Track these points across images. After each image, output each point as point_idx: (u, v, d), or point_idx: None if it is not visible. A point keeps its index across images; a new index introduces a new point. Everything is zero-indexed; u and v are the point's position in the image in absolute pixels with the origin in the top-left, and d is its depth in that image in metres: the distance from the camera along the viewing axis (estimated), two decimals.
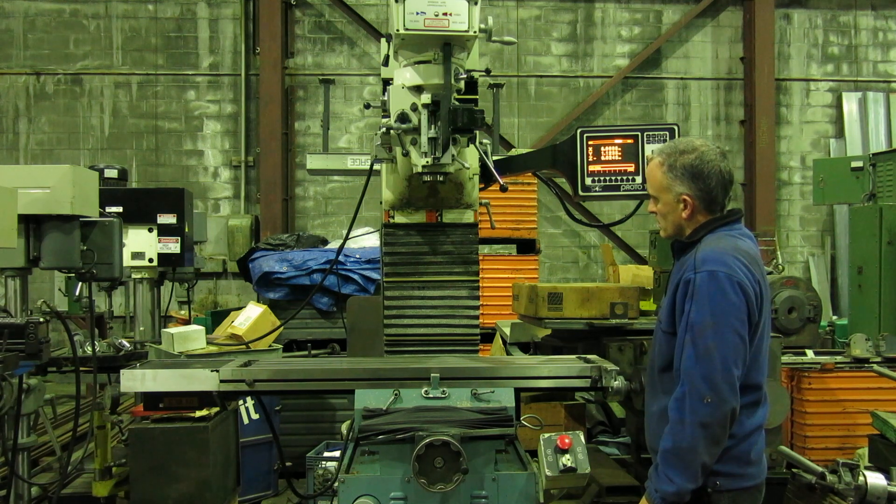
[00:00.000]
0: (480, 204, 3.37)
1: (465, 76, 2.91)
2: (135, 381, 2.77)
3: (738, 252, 2.42)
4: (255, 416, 5.34)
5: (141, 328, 5.85)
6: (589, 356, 3.07)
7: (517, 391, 2.73)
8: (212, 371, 2.74)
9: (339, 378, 2.80)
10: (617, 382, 2.73)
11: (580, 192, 3.18)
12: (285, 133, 11.21)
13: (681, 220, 2.57)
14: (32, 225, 4.07)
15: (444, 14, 2.76)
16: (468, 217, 3.32)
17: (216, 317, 7.64)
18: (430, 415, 2.57)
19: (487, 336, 5.78)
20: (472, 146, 3.07)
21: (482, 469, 2.57)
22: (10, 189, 3.75)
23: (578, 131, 3.18)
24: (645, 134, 3.14)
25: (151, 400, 2.82)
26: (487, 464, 2.58)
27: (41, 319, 3.77)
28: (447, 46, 2.82)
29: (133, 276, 5.86)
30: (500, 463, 2.59)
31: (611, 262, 8.42)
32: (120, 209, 5.49)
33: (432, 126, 2.89)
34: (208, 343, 5.22)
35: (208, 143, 11.46)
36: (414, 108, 2.93)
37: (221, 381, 2.73)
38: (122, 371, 2.80)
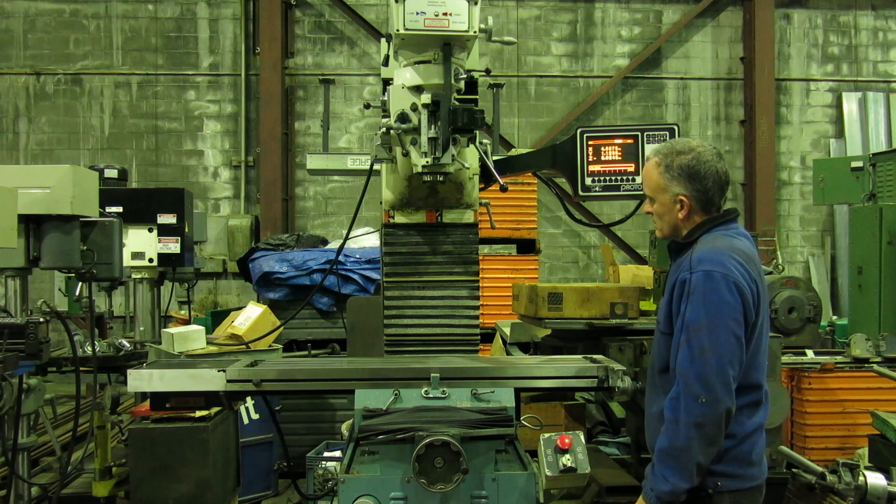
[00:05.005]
0: (480, 204, 3.37)
1: (465, 76, 2.91)
2: (141, 381, 2.78)
3: (734, 251, 2.42)
4: (255, 416, 5.34)
5: (141, 328, 5.86)
6: (595, 356, 3.08)
7: (517, 391, 2.73)
8: (218, 371, 2.75)
9: (344, 378, 2.79)
10: (624, 382, 2.73)
11: (580, 192, 3.18)
12: (285, 133, 11.21)
13: (677, 221, 2.58)
14: (32, 225, 4.06)
15: (444, 14, 2.76)
16: (468, 217, 3.32)
17: (216, 317, 7.65)
18: (430, 415, 2.57)
19: (487, 336, 5.78)
20: (472, 146, 3.07)
21: (482, 469, 2.57)
22: (10, 189, 3.75)
23: (578, 131, 3.18)
24: (645, 134, 3.14)
25: (158, 400, 2.82)
26: (487, 464, 2.58)
27: (41, 319, 3.77)
28: (447, 46, 2.82)
29: (133, 276, 5.86)
30: (500, 463, 2.59)
31: (611, 262, 8.42)
32: (120, 209, 5.49)
33: (432, 126, 2.89)
34: (208, 343, 5.22)
35: (208, 143, 11.46)
36: (414, 108, 2.93)
37: (228, 381, 2.74)
38: (128, 371, 2.81)
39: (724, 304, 2.34)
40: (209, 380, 2.75)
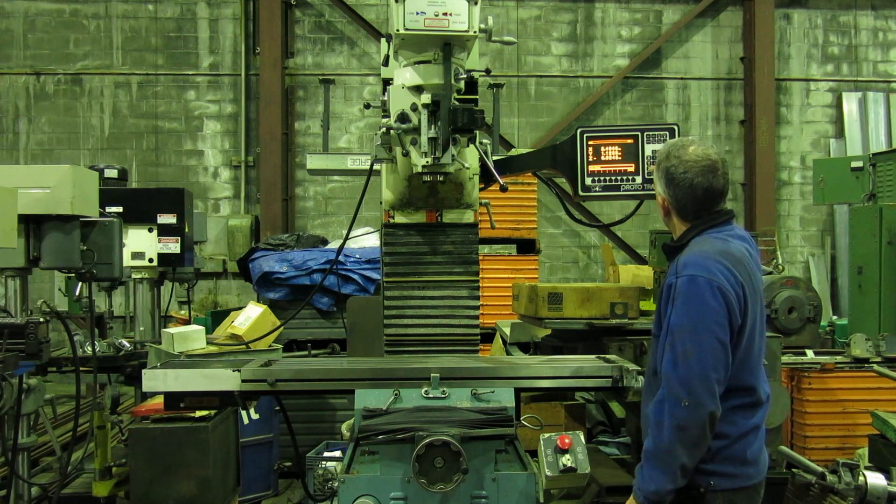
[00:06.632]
0: (480, 204, 3.37)
1: (465, 76, 2.91)
2: (156, 380, 2.79)
3: (721, 255, 2.42)
4: (255, 416, 5.34)
5: (141, 328, 5.85)
6: (608, 356, 3.10)
7: (517, 391, 2.73)
8: (233, 371, 2.76)
9: (359, 378, 2.79)
10: (638, 382, 2.74)
11: (580, 192, 3.18)
12: (285, 133, 11.21)
13: (663, 218, 2.64)
14: (32, 225, 4.06)
15: (444, 14, 2.76)
16: (468, 217, 3.32)
17: (216, 317, 7.64)
18: (430, 415, 2.57)
19: (487, 336, 5.78)
20: (472, 146, 3.07)
21: (482, 469, 2.57)
22: (10, 189, 3.75)
23: (578, 131, 3.18)
24: (645, 134, 3.13)
25: (172, 400, 2.82)
26: (487, 464, 2.58)
27: (41, 319, 3.77)
28: (447, 46, 2.82)
29: (133, 276, 5.86)
30: (500, 463, 2.60)
31: (611, 262, 8.42)
32: (120, 209, 5.49)
33: (432, 126, 2.89)
34: (208, 343, 5.22)
35: (208, 143, 11.46)
36: (414, 108, 2.93)
37: (243, 381, 2.75)
38: (143, 371, 2.83)
39: (707, 308, 2.35)
40: (224, 379, 2.76)
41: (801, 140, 11.93)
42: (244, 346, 5.21)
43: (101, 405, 4.44)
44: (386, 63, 3.36)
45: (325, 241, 7.72)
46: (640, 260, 10.90)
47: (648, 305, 5.15)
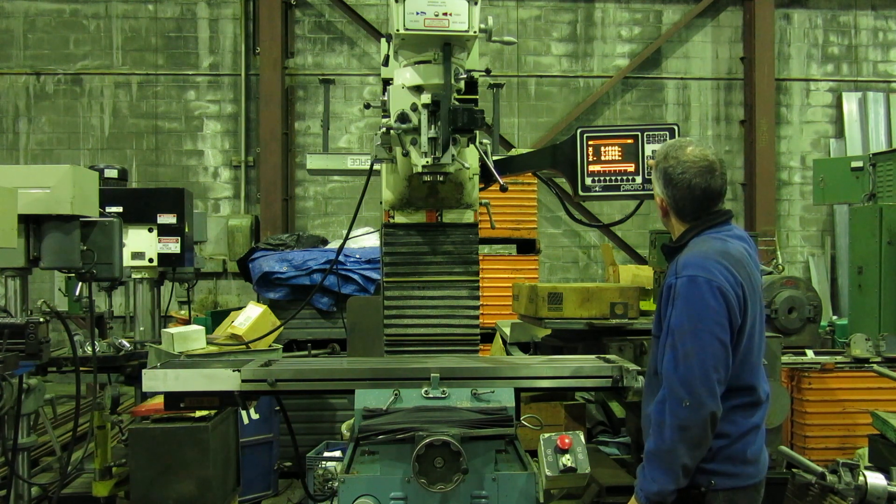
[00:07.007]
0: (480, 204, 3.37)
1: (465, 76, 2.91)
2: (156, 380, 2.79)
3: (720, 255, 2.43)
4: (255, 416, 5.34)
5: (141, 328, 5.85)
6: (608, 356, 3.10)
7: (517, 391, 2.74)
8: (233, 371, 2.76)
9: (359, 378, 2.79)
10: (638, 382, 2.74)
11: (580, 192, 3.18)
12: (285, 133, 11.21)
13: (661, 218, 2.64)
14: (32, 225, 4.07)
15: (444, 14, 2.76)
16: (468, 217, 3.32)
17: (216, 317, 7.65)
18: (430, 415, 2.57)
19: (487, 336, 5.78)
20: (472, 146, 3.07)
21: (482, 469, 2.57)
22: (10, 189, 3.75)
23: (578, 131, 3.18)
24: (645, 134, 3.14)
25: (172, 400, 2.83)
26: (487, 464, 2.58)
27: (41, 319, 3.77)
28: (447, 46, 2.82)
29: (133, 276, 5.86)
30: (500, 463, 2.60)
31: (611, 262, 8.42)
32: (120, 209, 5.49)
33: (432, 126, 2.89)
34: (208, 343, 5.22)
35: (208, 143, 11.46)
36: (414, 108, 2.93)
37: (243, 381, 2.75)
38: (143, 371, 2.83)
39: (707, 309, 2.35)
40: (224, 379, 2.76)
41: (801, 140, 11.93)
42: (244, 346, 5.21)
43: (101, 405, 4.44)
44: (386, 63, 3.36)
45: (325, 241, 7.72)
46: (640, 260, 10.90)
47: (648, 305, 5.14)
